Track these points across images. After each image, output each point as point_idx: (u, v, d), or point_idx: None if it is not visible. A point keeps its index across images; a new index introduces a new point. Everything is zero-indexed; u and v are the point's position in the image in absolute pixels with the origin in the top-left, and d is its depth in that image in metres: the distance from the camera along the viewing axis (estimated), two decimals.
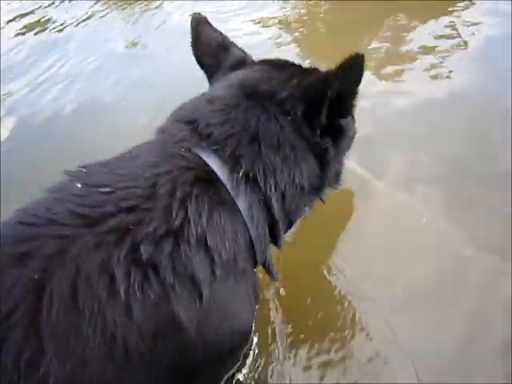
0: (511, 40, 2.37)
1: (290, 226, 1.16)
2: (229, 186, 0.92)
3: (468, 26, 2.59)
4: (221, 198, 0.91)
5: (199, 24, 1.23)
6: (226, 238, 0.89)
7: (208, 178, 0.91)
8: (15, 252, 0.76)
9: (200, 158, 0.93)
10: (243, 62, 1.21)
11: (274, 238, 1.08)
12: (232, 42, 1.27)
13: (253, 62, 1.22)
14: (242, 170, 0.93)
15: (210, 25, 1.26)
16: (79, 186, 0.86)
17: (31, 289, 0.73)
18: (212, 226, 0.87)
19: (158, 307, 0.79)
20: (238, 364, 1.14)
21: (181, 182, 0.87)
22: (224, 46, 1.23)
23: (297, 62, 1.23)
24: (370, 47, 2.58)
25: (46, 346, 0.71)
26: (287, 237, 1.31)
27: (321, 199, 1.25)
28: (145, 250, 0.79)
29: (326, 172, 1.11)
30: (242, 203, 0.93)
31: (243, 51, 1.28)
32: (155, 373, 0.83)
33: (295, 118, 1.02)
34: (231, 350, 1.02)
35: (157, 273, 0.79)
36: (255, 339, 1.27)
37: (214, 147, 0.95)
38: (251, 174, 0.95)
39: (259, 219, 0.97)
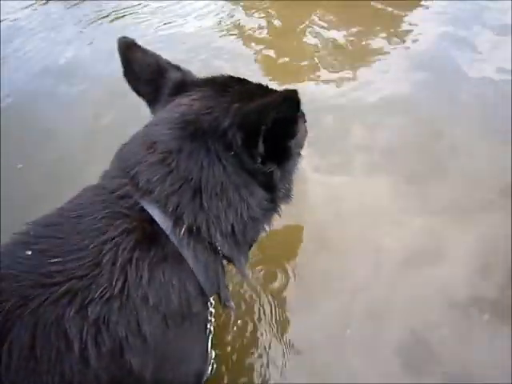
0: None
1: (250, 247, 1.19)
2: (173, 240, 0.94)
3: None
4: (164, 254, 0.93)
5: (128, 49, 1.15)
6: (171, 293, 0.93)
7: (151, 237, 0.93)
8: None
9: (144, 212, 0.94)
10: (183, 85, 1.15)
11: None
12: (168, 63, 1.20)
13: (193, 83, 1.15)
14: (184, 226, 0.94)
15: (141, 48, 1.17)
16: (29, 253, 0.89)
17: None
18: (154, 285, 0.91)
19: (113, 357, 0.86)
20: None
21: (122, 249, 0.89)
22: (159, 70, 1.16)
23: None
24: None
25: None
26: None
27: (279, 214, 1.25)
28: (91, 312, 0.85)
29: (275, 193, 1.11)
30: (187, 255, 0.95)
31: (181, 69, 1.21)
32: None
33: (237, 149, 0.99)
34: None
35: (108, 328, 0.86)
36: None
37: (156, 204, 0.94)
38: (194, 228, 0.95)
39: (207, 265, 1.00)
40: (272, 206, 1.13)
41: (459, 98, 2.31)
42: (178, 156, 0.97)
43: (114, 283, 0.87)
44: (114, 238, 0.89)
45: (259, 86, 1.14)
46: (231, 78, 1.16)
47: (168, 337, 0.93)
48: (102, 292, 0.86)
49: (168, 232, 0.93)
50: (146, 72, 1.16)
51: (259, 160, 1.01)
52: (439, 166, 1.96)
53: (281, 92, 0.94)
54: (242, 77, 1.18)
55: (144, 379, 0.90)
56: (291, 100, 0.92)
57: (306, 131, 1.39)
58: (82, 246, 0.89)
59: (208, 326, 1.15)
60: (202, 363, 1.15)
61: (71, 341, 0.82)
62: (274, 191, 1.10)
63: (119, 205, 0.94)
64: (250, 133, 0.97)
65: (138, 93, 1.19)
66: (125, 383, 0.89)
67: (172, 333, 0.94)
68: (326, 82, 2.47)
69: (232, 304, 1.17)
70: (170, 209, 0.94)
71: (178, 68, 1.20)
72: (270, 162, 1.04)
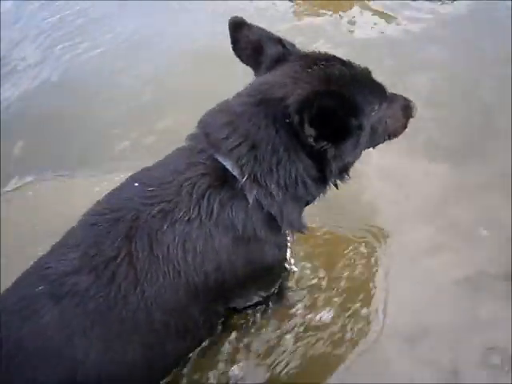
0: None
1: (307, 203, 1.41)
2: (240, 184, 1.21)
3: None
4: (233, 194, 1.22)
5: (236, 29, 1.36)
6: (237, 220, 1.23)
7: (222, 181, 1.21)
8: (111, 217, 1.23)
9: (218, 162, 1.22)
10: (280, 59, 1.33)
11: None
12: (270, 38, 1.35)
13: (286, 59, 1.32)
14: (246, 174, 1.20)
15: (247, 26, 1.36)
16: (136, 184, 1.30)
17: (125, 241, 1.19)
18: (223, 214, 1.21)
19: (194, 263, 1.22)
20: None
21: (197, 187, 1.21)
22: (259, 48, 1.34)
23: None
24: None
25: (139, 277, 1.17)
26: None
27: (336, 186, 1.43)
28: (178, 228, 1.20)
29: (327, 168, 1.27)
30: (250, 195, 1.22)
31: (283, 43, 1.35)
32: (210, 293, 1.28)
33: (293, 124, 1.15)
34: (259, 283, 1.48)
35: (191, 239, 1.21)
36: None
37: (226, 156, 1.21)
38: (253, 176, 1.21)
39: (271, 203, 1.25)
40: (323, 178, 1.30)
41: None
42: (241, 118, 1.22)
43: (191, 211, 1.20)
44: (191, 178, 1.22)
45: (342, 66, 1.27)
46: (323, 56, 1.31)
47: (237, 252, 1.26)
48: (183, 214, 1.20)
49: (236, 177, 1.20)
50: (249, 48, 1.37)
51: (311, 139, 1.16)
52: None
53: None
54: (336, 55, 1.32)
55: (218, 282, 1.26)
56: (329, 97, 1.10)
57: (398, 119, 1.47)
58: (170, 180, 1.24)
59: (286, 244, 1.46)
60: (273, 261, 1.43)
61: (168, 247, 1.18)
62: (326, 167, 1.26)
63: (197, 156, 1.25)
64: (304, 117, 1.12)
65: (246, 64, 1.41)
66: (212, 278, 1.25)
67: (240, 249, 1.26)
68: None
69: (304, 229, 1.43)
70: (235, 160, 1.20)
71: (280, 41, 1.36)
72: (324, 141, 1.18)
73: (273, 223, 1.30)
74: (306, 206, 1.43)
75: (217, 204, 1.21)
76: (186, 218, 1.21)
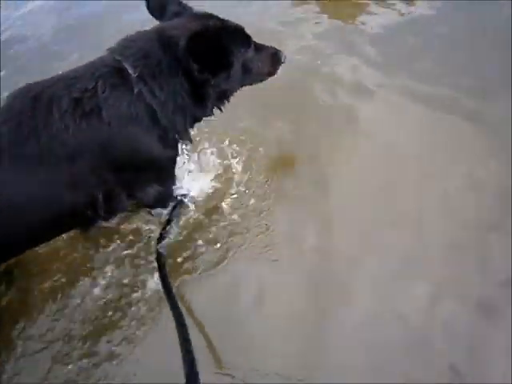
0: None
1: (194, 121, 1.89)
2: (131, 78, 1.64)
3: None
4: (122, 83, 1.63)
5: None
6: (123, 101, 1.63)
7: (121, 76, 1.65)
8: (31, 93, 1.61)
9: (120, 62, 1.67)
10: (177, 15, 1.84)
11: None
12: (173, 1, 1.84)
13: (182, 14, 1.83)
14: (137, 73, 1.65)
15: None
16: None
17: (31, 100, 1.58)
18: (113, 93, 1.62)
19: (88, 121, 1.59)
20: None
21: (104, 77, 1.63)
22: (164, 5, 1.87)
23: None
24: None
25: (37, 126, 1.54)
26: None
27: (220, 109, 1.93)
28: (86, 101, 1.59)
29: (205, 92, 1.75)
30: (136, 88, 1.64)
31: (182, 5, 1.85)
32: (94, 158, 1.63)
33: (184, 61, 1.62)
34: (140, 165, 1.80)
35: (92, 112, 1.60)
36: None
37: (128, 62, 1.66)
38: (141, 75, 1.64)
39: (153, 98, 1.67)
40: (200, 100, 1.76)
41: None
42: (144, 40, 1.71)
43: (98, 89, 1.59)
44: (101, 72, 1.64)
45: (218, 21, 1.77)
46: (206, 14, 1.81)
47: (120, 126, 1.63)
48: (89, 93, 1.58)
49: (131, 74, 1.64)
50: (156, 6, 1.90)
51: (196, 71, 1.64)
52: None
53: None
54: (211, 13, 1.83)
55: (105, 153, 1.63)
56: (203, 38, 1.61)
57: (268, 63, 1.96)
58: (88, 72, 1.64)
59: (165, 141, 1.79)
60: (152, 153, 1.80)
61: (65, 110, 1.55)
62: (205, 91, 1.73)
63: (110, 61, 1.68)
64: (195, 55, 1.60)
65: (154, 17, 1.91)
66: (93, 151, 1.62)
67: (124, 127, 1.65)
68: None
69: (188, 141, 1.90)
70: (132, 61, 1.65)
71: (179, 3, 1.86)
72: (205, 73, 1.66)
73: (154, 115, 1.69)
74: (195, 122, 1.91)
75: (109, 85, 1.62)
76: (90, 95, 1.60)
